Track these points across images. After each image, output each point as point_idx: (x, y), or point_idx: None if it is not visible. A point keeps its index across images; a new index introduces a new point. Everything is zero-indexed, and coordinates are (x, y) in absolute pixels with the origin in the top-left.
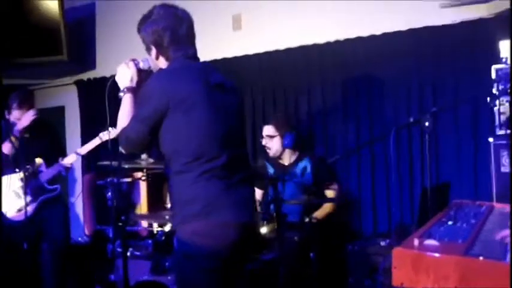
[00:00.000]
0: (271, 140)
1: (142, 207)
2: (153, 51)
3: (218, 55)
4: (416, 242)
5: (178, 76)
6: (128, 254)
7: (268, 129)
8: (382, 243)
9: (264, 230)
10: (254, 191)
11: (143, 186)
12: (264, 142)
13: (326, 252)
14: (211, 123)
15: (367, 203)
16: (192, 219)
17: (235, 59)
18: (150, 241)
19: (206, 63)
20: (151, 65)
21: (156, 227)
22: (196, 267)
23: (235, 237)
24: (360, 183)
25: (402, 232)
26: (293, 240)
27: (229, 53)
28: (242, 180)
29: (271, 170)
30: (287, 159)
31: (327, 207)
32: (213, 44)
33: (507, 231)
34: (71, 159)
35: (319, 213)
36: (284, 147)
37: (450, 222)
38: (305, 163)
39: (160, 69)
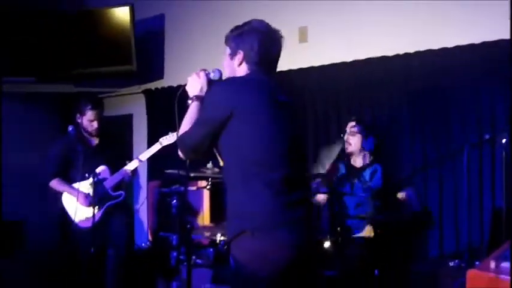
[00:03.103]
0: (353, 137)
1: (205, 216)
2: (239, 56)
3: (284, 67)
4: (493, 264)
5: (247, 87)
6: (191, 262)
7: (353, 126)
8: (451, 264)
9: (327, 244)
10: (312, 211)
11: (206, 195)
12: (345, 137)
13: (391, 269)
14: (274, 137)
15: (435, 222)
16: (247, 235)
17: (301, 70)
18: (211, 250)
19: (278, 82)
20: (227, 70)
21: (218, 236)
22: (250, 285)
23: (292, 259)
24: (426, 202)
25: (472, 254)
26: (357, 256)
27: (295, 65)
28: (301, 199)
29: (343, 170)
30: (360, 161)
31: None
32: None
33: None
34: (133, 165)
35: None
36: (363, 148)
37: None
38: (375, 167)
39: (233, 77)
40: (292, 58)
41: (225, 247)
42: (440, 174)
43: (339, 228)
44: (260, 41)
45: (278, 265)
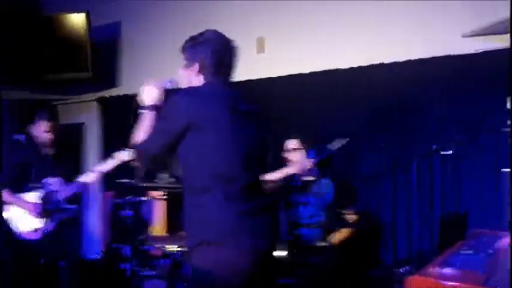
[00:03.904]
0: (295, 154)
1: (160, 227)
2: (195, 68)
3: (242, 77)
4: (434, 270)
5: (204, 97)
6: (144, 273)
7: (292, 143)
8: (402, 270)
9: (282, 253)
10: (272, 219)
11: (162, 205)
12: (286, 156)
13: (346, 277)
14: (232, 145)
15: (387, 230)
16: (209, 245)
17: (259, 81)
18: (167, 261)
19: (237, 90)
20: (184, 81)
21: (173, 247)
22: None
23: (253, 267)
24: (380, 210)
25: (422, 259)
26: (312, 265)
27: (253, 76)
28: (261, 208)
29: (298, 182)
30: (308, 175)
31: (344, 232)
32: (237, 66)
33: None
34: (87, 178)
35: (336, 238)
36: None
37: (469, 252)
38: (327, 181)
39: (189, 87)
40: (250, 69)
41: (182, 258)
42: (394, 183)
43: (292, 237)
44: (214, 51)
45: (240, 272)
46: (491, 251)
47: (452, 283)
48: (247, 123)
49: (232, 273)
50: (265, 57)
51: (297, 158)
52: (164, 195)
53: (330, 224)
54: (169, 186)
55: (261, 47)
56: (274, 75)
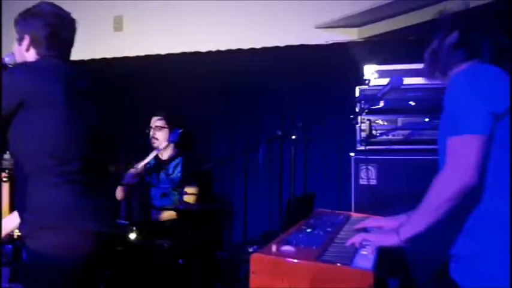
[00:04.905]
0: (159, 132)
1: (4, 211)
2: (26, 41)
3: (97, 55)
4: (274, 248)
5: (40, 73)
6: None
7: (157, 121)
8: (250, 249)
9: (132, 236)
10: (113, 199)
11: (5, 188)
12: (151, 133)
13: (196, 259)
14: (69, 125)
15: (239, 211)
16: (47, 229)
17: (115, 59)
18: (10, 246)
19: (74, 69)
20: (17, 56)
21: (17, 232)
22: (51, 280)
23: (93, 248)
24: (232, 192)
25: (269, 239)
26: (162, 247)
27: (109, 54)
28: (101, 187)
29: (152, 162)
30: (166, 154)
31: (170, 213)
32: (93, 44)
33: (356, 238)
34: None
35: (164, 216)
36: (169, 141)
37: (308, 230)
38: (178, 160)
39: (25, 62)
40: (106, 47)
41: (21, 243)
42: (246, 166)
43: (143, 219)
44: (47, 24)
45: (79, 255)
46: (329, 229)
47: (288, 259)
48: (85, 102)
49: (71, 257)
50: (123, 35)
51: (160, 136)
52: (7, 176)
53: (179, 205)
54: (12, 167)
55: (118, 25)
56: (131, 54)
